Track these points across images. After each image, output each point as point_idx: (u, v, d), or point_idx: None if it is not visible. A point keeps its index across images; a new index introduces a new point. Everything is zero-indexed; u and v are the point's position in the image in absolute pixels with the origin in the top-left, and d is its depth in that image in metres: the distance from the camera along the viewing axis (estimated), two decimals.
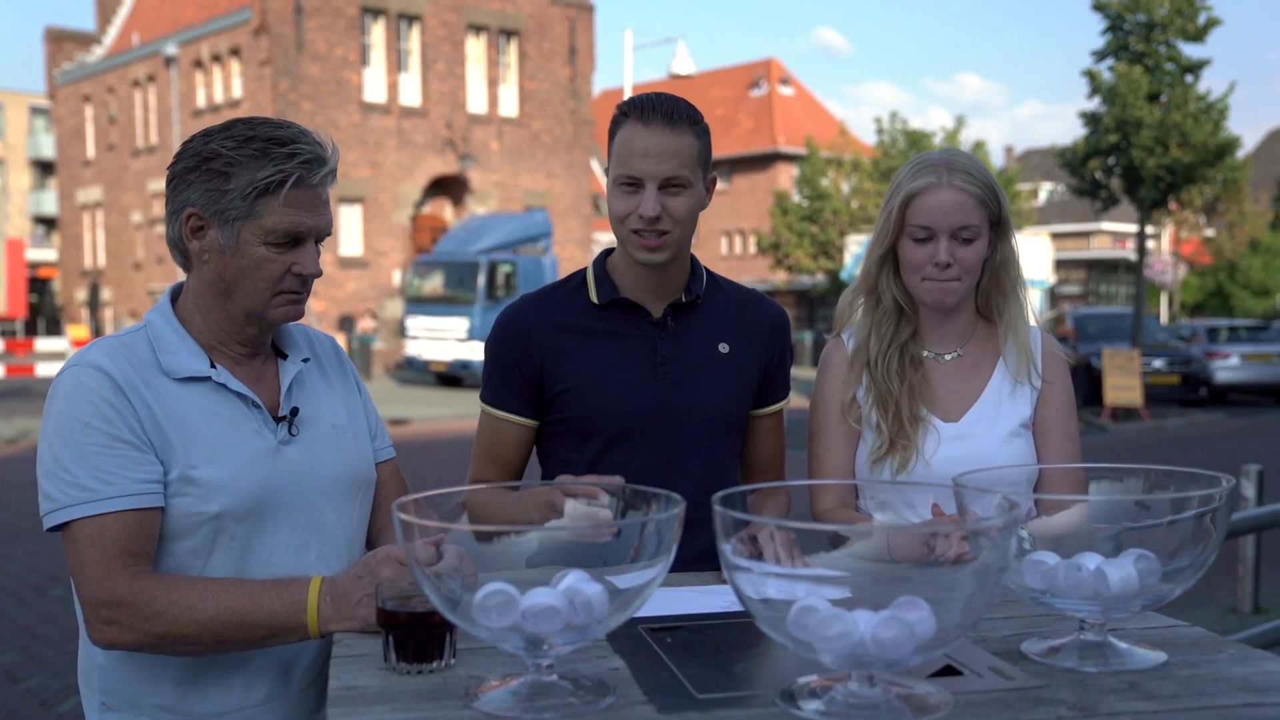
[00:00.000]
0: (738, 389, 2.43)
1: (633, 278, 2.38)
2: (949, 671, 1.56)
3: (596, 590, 1.43)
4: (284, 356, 2.09)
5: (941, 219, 2.29)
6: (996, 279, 2.41)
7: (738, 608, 1.87)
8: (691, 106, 2.29)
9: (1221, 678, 1.53)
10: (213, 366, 1.96)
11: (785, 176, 44.91)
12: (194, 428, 1.91)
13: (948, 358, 2.44)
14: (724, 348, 2.41)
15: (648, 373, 2.36)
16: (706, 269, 2.49)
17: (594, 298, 2.40)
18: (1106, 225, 50.50)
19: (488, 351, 2.45)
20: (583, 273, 2.45)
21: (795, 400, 2.64)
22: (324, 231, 1.97)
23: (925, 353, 2.44)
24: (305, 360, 2.11)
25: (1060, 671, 1.56)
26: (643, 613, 1.76)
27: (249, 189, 1.88)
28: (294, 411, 2.03)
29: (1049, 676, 1.54)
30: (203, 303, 1.99)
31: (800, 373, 29.58)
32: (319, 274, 1.98)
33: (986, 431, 2.38)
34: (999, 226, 2.36)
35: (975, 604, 1.35)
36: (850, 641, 1.34)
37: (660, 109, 2.23)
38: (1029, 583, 1.62)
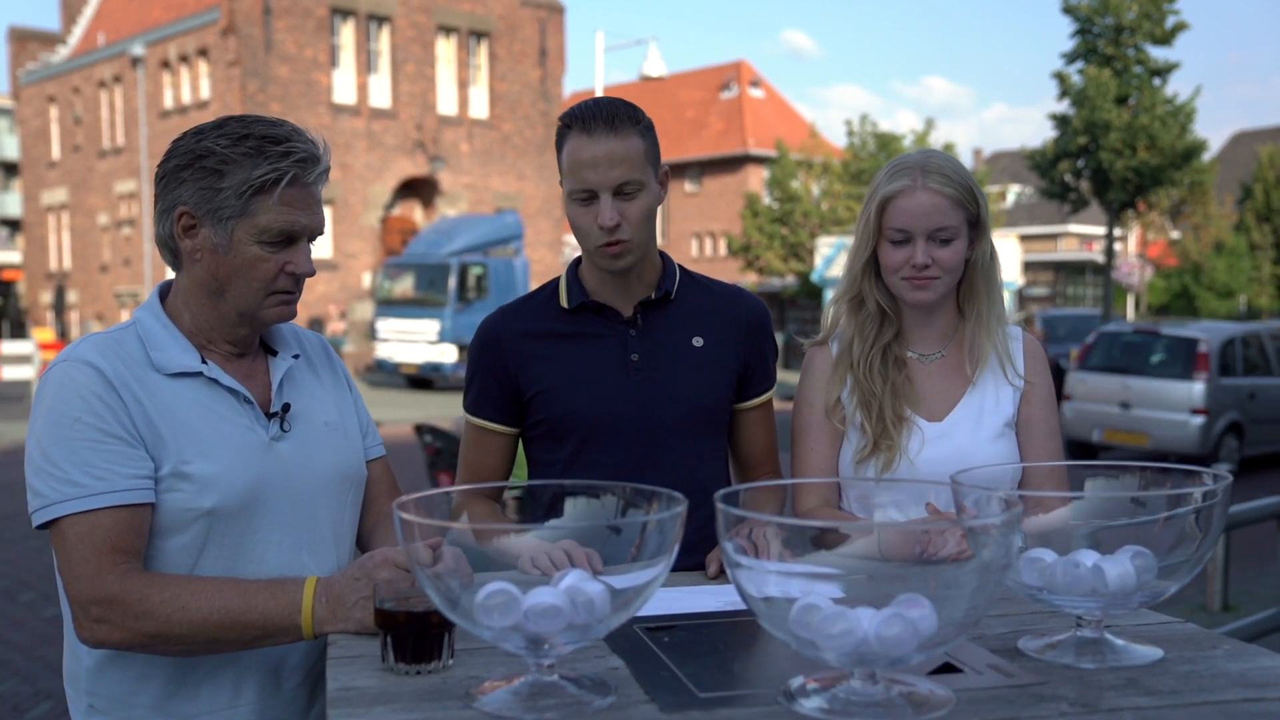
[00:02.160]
0: (714, 382, 2.43)
1: (601, 280, 2.40)
2: (948, 669, 1.56)
3: (598, 589, 1.42)
4: (273, 353, 2.08)
5: (917, 221, 2.30)
6: (971, 279, 2.42)
7: (731, 607, 1.88)
8: (631, 106, 2.29)
9: (1219, 673, 1.54)
10: (204, 362, 1.95)
11: (756, 179, 44.98)
12: (186, 423, 1.89)
13: (931, 359, 2.45)
14: (698, 342, 2.42)
15: (620, 371, 2.38)
16: (681, 266, 2.50)
17: (564, 303, 2.43)
18: (1074, 228, 50.86)
19: (468, 362, 2.50)
20: (556, 281, 2.48)
21: (777, 404, 2.64)
22: (317, 230, 1.96)
23: (909, 354, 2.45)
24: (295, 357, 2.10)
25: (1058, 668, 1.56)
26: (637, 612, 1.77)
27: (243, 187, 1.86)
28: (285, 407, 2.01)
29: (1047, 673, 1.54)
30: (193, 302, 1.97)
31: None
32: (312, 273, 1.96)
33: (970, 431, 2.39)
34: (977, 226, 2.37)
35: (977, 602, 1.35)
36: (854, 639, 1.34)
37: (601, 116, 2.24)
38: (1026, 580, 1.62)
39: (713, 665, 1.61)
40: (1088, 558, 1.59)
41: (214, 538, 1.91)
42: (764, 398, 2.54)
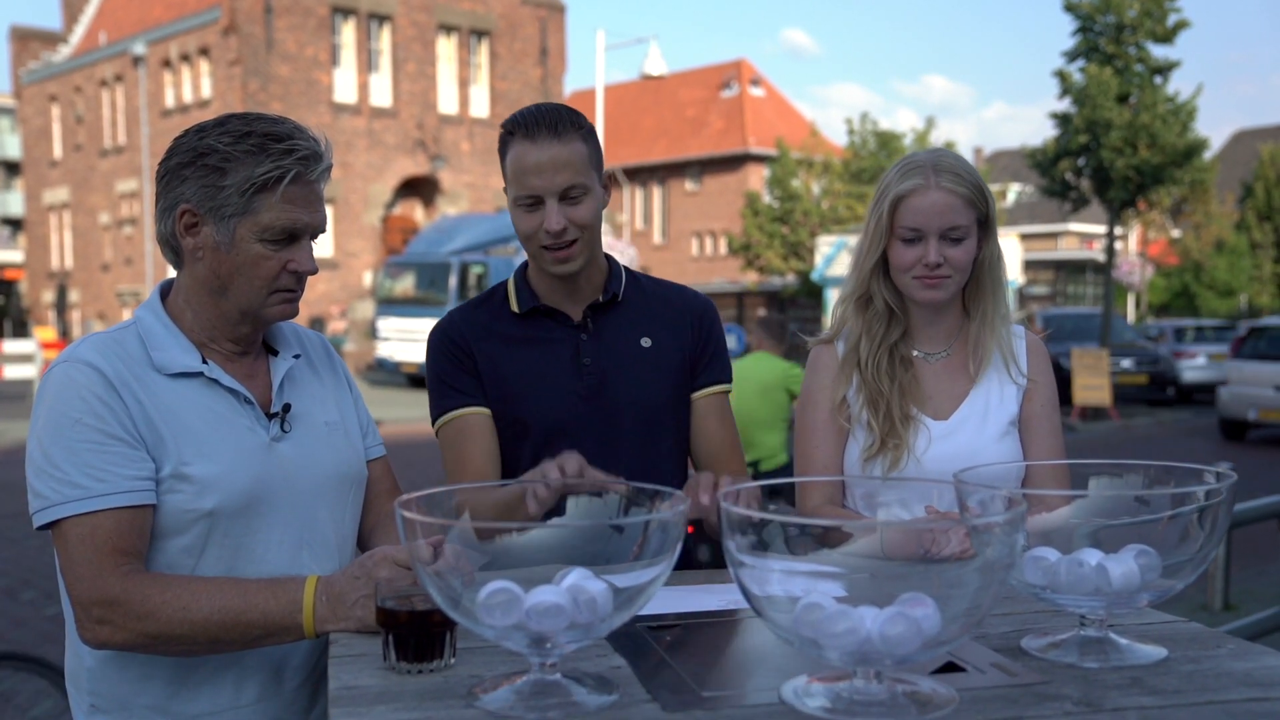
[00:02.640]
0: (665, 381, 2.44)
1: (549, 285, 2.40)
2: (951, 668, 1.56)
3: (600, 588, 1.42)
4: (274, 353, 2.07)
5: (930, 220, 2.30)
6: (978, 278, 2.41)
7: (731, 606, 1.88)
8: (574, 112, 2.31)
9: (1223, 672, 1.53)
10: (204, 363, 1.94)
11: (756, 177, 44.90)
12: (186, 424, 1.89)
13: (936, 357, 2.44)
14: (646, 342, 2.43)
15: (573, 374, 2.39)
16: (626, 268, 2.51)
17: (515, 307, 2.43)
18: (1074, 226, 50.82)
19: (430, 367, 2.43)
20: (505, 285, 2.48)
21: None
22: (319, 228, 1.96)
23: (915, 353, 2.45)
24: (296, 357, 2.09)
25: (1061, 667, 1.56)
26: (640, 611, 1.76)
27: (246, 185, 1.86)
28: (286, 408, 2.01)
29: (1051, 672, 1.54)
30: (195, 300, 1.97)
31: None
32: (314, 271, 1.96)
33: (976, 429, 2.39)
34: (986, 226, 2.37)
35: (981, 600, 1.35)
36: (857, 638, 1.33)
37: (544, 122, 2.25)
38: (1030, 579, 1.62)
39: (715, 664, 1.61)
40: (1091, 556, 1.58)
41: (215, 538, 1.90)
42: (713, 389, 2.50)
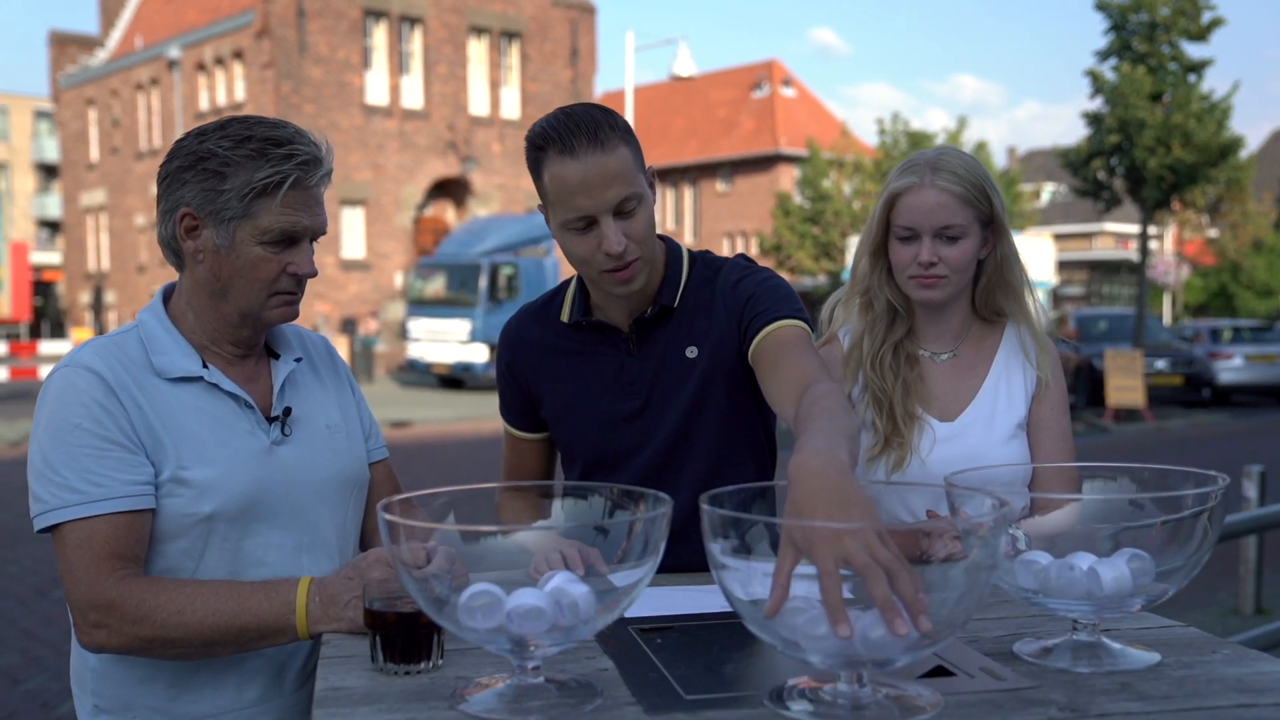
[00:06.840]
0: (712, 394, 2.20)
1: (605, 296, 2.20)
2: (940, 672, 1.55)
3: (583, 591, 1.41)
4: (276, 356, 2.08)
5: (923, 218, 2.29)
6: (1000, 278, 2.39)
7: (729, 607, 1.87)
8: (608, 111, 2.04)
9: (1215, 678, 1.51)
10: (205, 366, 1.95)
11: (787, 178, 44.84)
12: (186, 428, 1.90)
13: (943, 357, 2.42)
14: (692, 352, 2.20)
15: (615, 396, 2.23)
16: (701, 259, 2.27)
17: (565, 316, 2.27)
18: (1109, 226, 50.43)
19: (495, 365, 2.42)
20: (567, 287, 2.30)
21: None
22: (319, 231, 1.96)
23: (921, 352, 2.43)
24: (298, 360, 2.10)
25: (1053, 672, 1.54)
26: (634, 612, 1.76)
27: (246, 189, 1.87)
28: (287, 411, 2.02)
29: (1041, 677, 1.52)
30: (195, 303, 1.98)
31: None
32: (314, 274, 1.97)
33: (982, 432, 2.36)
34: (992, 225, 2.34)
35: (965, 603, 1.34)
36: (839, 642, 1.32)
37: (582, 130, 1.97)
38: (1021, 582, 1.60)
39: (703, 667, 1.60)
40: (1083, 560, 1.56)
41: (214, 542, 1.91)
42: (763, 334, 2.10)
